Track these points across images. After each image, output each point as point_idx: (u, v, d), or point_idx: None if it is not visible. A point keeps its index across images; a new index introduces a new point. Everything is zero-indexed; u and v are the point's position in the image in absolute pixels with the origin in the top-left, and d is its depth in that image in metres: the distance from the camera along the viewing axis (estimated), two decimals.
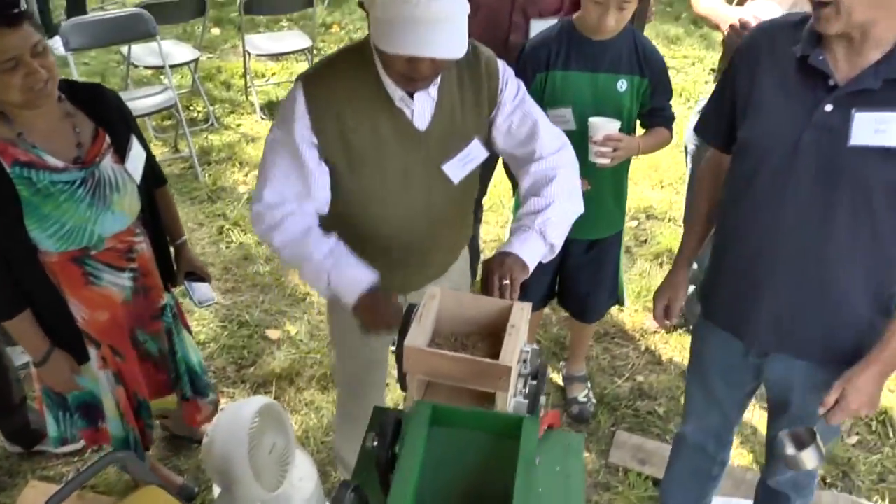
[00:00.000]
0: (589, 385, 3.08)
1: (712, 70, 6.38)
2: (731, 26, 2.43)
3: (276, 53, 5.55)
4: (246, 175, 4.61)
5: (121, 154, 2.00)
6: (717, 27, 2.60)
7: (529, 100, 1.84)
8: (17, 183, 1.83)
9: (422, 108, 1.74)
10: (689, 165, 3.05)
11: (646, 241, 4.09)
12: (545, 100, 2.35)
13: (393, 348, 1.50)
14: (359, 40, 1.78)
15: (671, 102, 2.47)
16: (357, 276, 1.69)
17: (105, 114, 1.99)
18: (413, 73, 1.58)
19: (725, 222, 1.88)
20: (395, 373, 2.97)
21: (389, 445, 1.16)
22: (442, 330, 1.43)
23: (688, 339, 3.37)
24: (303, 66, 6.01)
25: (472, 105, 1.80)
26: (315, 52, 5.61)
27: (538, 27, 2.96)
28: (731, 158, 1.82)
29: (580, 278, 2.72)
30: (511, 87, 1.82)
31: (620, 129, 2.32)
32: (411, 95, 1.71)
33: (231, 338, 3.32)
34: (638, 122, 2.49)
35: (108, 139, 1.98)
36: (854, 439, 2.99)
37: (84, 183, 1.92)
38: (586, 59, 2.32)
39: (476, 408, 1.25)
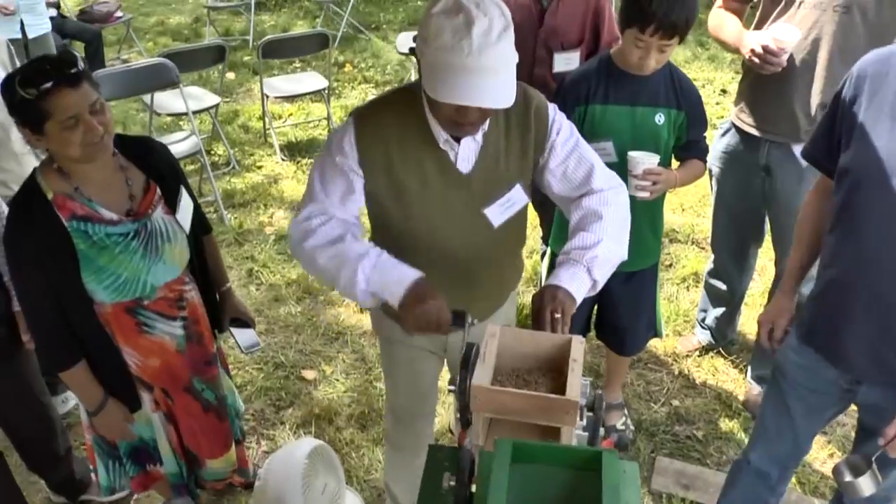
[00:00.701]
0: (626, 412, 3.09)
1: (723, 91, 6.44)
2: (752, 51, 2.47)
3: (295, 95, 5.64)
4: (271, 217, 4.67)
5: (171, 205, 2.05)
6: (736, 51, 2.64)
7: (583, 143, 1.87)
8: (74, 236, 1.89)
9: (466, 153, 1.78)
10: (715, 188, 3.08)
11: (671, 265, 4.12)
12: (584, 133, 2.38)
13: (451, 388, 1.54)
14: (411, 82, 1.83)
15: (705, 134, 2.51)
16: (401, 272, 1.68)
17: (156, 166, 2.06)
18: (461, 119, 1.62)
19: (825, 248, 1.88)
20: (445, 404, 2.99)
21: (467, 484, 1.18)
22: (503, 367, 1.46)
23: (719, 362, 3.42)
24: (318, 107, 6.11)
25: (518, 151, 1.83)
26: (329, 91, 5.71)
27: (561, 60, 3.03)
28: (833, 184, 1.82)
29: (619, 311, 2.74)
30: (564, 132, 1.84)
31: (658, 163, 2.35)
32: (458, 140, 1.75)
33: (267, 380, 3.35)
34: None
35: (158, 191, 2.04)
36: None
37: (137, 235, 1.97)
38: (625, 92, 2.36)
39: (553, 443, 1.28)
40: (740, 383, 3.31)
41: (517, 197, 1.86)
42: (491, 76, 1.54)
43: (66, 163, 1.89)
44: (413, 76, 6.45)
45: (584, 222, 1.77)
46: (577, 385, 1.30)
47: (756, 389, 3.19)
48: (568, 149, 1.85)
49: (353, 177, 1.77)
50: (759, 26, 2.65)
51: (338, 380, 3.36)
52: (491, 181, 1.82)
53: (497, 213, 1.85)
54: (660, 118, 2.38)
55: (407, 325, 1.65)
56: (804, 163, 2.55)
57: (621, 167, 2.32)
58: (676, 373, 3.38)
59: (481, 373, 1.34)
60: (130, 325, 2.04)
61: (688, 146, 2.49)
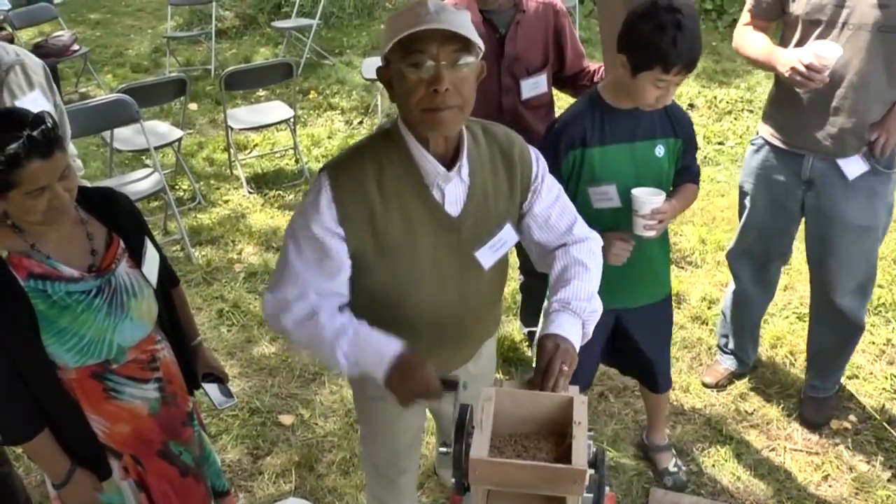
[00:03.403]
0: (674, 452, 2.98)
1: (690, 105, 6.44)
2: (794, 69, 2.43)
3: (260, 126, 5.51)
4: (240, 253, 4.54)
5: (136, 259, 1.94)
6: (771, 68, 2.60)
7: (564, 193, 1.83)
8: (32, 297, 1.76)
9: (454, 195, 1.68)
10: (748, 206, 2.99)
11: None
12: (583, 178, 2.30)
13: (442, 450, 1.44)
14: (382, 126, 1.73)
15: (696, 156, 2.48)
16: (381, 346, 1.60)
17: (118, 218, 1.94)
18: (431, 92, 1.51)
19: None
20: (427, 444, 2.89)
21: None
22: (500, 431, 1.36)
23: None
24: (284, 136, 6.00)
25: (506, 190, 1.75)
26: (295, 120, 5.61)
27: (529, 86, 2.96)
28: None
29: (643, 346, 2.63)
30: (548, 178, 1.79)
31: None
32: (448, 168, 1.64)
33: (243, 427, 3.21)
34: None
35: (122, 244, 1.92)
36: (888, 474, 2.93)
37: (101, 292, 1.85)
38: (622, 129, 2.27)
39: None
40: (728, 407, 3.25)
41: (507, 236, 1.78)
42: (447, 27, 1.48)
43: (23, 223, 1.77)
44: (379, 102, 6.37)
45: (574, 271, 1.71)
46: (583, 452, 1.21)
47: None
48: (553, 196, 1.79)
49: (332, 240, 1.64)
50: (797, 47, 2.61)
51: (317, 423, 3.23)
52: (481, 223, 1.73)
53: (488, 255, 1.76)
54: (660, 150, 2.30)
55: (398, 400, 1.56)
56: (851, 176, 2.61)
57: (626, 209, 2.26)
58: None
59: (479, 442, 1.25)
60: (97, 391, 1.91)
61: (681, 171, 2.42)
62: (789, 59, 2.47)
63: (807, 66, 2.39)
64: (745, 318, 3.28)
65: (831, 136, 2.60)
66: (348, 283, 1.71)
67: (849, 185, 2.64)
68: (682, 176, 2.44)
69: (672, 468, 2.91)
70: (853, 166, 2.62)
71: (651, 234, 2.28)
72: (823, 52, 2.38)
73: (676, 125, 2.32)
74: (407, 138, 1.64)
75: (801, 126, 2.67)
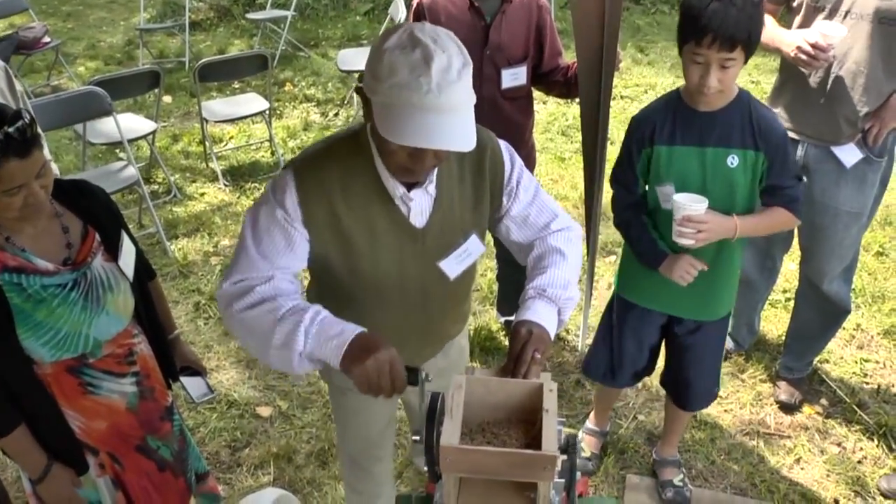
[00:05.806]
0: (682, 469, 2.89)
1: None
2: (799, 48, 2.49)
3: (235, 118, 5.48)
4: (216, 246, 4.52)
5: (112, 252, 1.93)
6: (777, 51, 2.65)
7: (542, 189, 1.82)
8: (7, 290, 1.75)
9: (420, 206, 1.67)
10: None
11: None
12: (652, 176, 2.23)
13: (415, 438, 1.45)
14: (352, 127, 1.70)
15: (798, 179, 2.28)
16: (343, 326, 1.48)
17: (94, 211, 1.93)
18: (413, 165, 1.51)
19: None
20: (405, 433, 2.90)
21: None
22: (471, 418, 1.38)
23: None
24: (260, 128, 5.97)
25: (472, 200, 1.74)
26: (271, 112, 5.58)
27: (509, 76, 2.98)
28: None
29: (684, 362, 2.56)
30: (525, 178, 1.77)
31: (734, 209, 2.18)
32: (409, 189, 1.63)
33: (221, 420, 3.22)
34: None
35: (97, 237, 1.91)
36: (858, 456, 2.99)
37: (76, 285, 1.84)
38: (693, 132, 2.16)
39: None
40: None
41: (473, 247, 1.77)
42: (451, 116, 1.40)
43: None
44: (354, 93, 6.35)
45: (551, 259, 1.71)
46: (553, 438, 1.23)
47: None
48: (530, 195, 1.78)
49: (296, 233, 1.62)
50: (789, 25, 2.69)
51: (294, 415, 3.24)
52: (446, 233, 1.73)
53: (453, 265, 1.76)
54: (733, 160, 2.15)
55: (356, 382, 1.45)
56: (844, 164, 2.66)
57: None
58: (640, 386, 3.34)
59: (450, 430, 1.26)
60: (73, 385, 1.90)
61: (770, 191, 2.22)
62: (794, 39, 2.52)
63: (812, 45, 2.45)
64: (742, 303, 3.33)
65: (827, 122, 2.66)
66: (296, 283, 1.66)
67: (841, 172, 2.70)
68: (771, 197, 2.24)
69: (677, 482, 2.82)
70: (849, 154, 2.68)
71: (686, 242, 2.14)
72: (828, 32, 2.43)
73: (760, 137, 2.14)
74: (374, 155, 1.61)
75: (799, 111, 2.73)
